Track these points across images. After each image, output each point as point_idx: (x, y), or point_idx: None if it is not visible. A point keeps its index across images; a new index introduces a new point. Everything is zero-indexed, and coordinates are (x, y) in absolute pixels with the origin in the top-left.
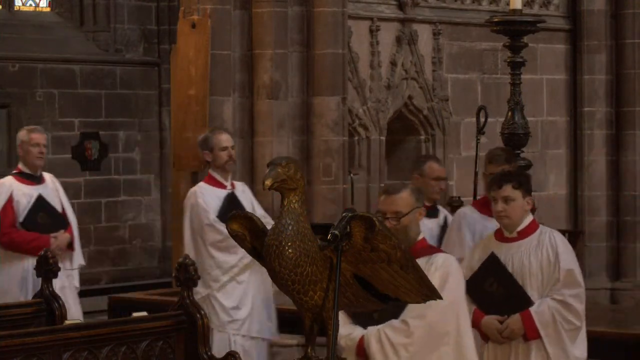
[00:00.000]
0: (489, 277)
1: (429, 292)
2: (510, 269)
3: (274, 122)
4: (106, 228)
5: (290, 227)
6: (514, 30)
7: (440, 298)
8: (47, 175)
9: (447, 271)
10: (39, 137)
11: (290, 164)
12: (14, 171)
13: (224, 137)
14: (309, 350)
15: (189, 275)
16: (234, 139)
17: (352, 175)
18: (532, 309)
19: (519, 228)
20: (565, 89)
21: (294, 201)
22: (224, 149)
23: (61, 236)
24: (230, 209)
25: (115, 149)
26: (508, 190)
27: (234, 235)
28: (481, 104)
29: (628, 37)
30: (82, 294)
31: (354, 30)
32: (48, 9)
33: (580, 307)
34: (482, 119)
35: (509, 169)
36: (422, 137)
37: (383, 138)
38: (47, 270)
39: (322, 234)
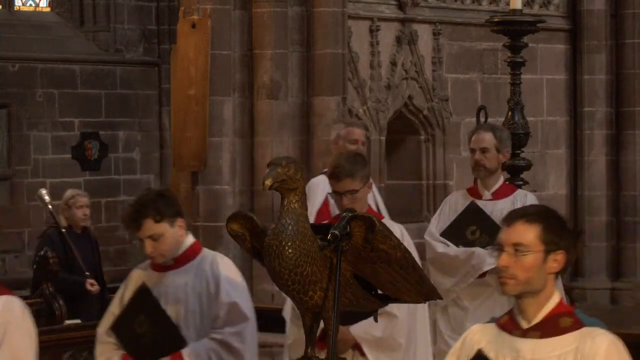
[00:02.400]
0: (140, 314)
1: (429, 292)
2: (163, 304)
3: (274, 122)
4: (106, 228)
5: (290, 227)
6: (514, 30)
7: (440, 298)
8: None
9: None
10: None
11: (290, 164)
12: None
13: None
14: (309, 350)
15: None
16: (234, 139)
17: None
18: (185, 351)
19: (175, 255)
20: (565, 89)
21: (294, 201)
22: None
23: None
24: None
25: (115, 149)
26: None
27: (234, 235)
28: (481, 104)
29: (628, 37)
30: None
31: (354, 30)
32: (48, 9)
33: (243, 347)
34: (482, 119)
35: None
36: (422, 137)
37: (383, 138)
38: (47, 270)
39: (322, 234)
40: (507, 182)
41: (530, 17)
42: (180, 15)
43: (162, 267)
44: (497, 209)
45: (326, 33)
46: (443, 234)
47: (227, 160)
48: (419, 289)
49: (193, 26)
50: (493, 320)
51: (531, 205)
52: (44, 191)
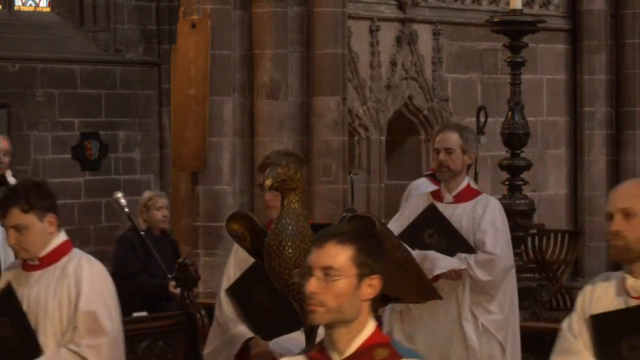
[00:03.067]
0: (3, 317)
1: (429, 292)
2: (25, 307)
3: (274, 122)
4: (106, 228)
5: (290, 227)
6: (514, 30)
7: (440, 298)
8: None
9: None
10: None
11: (290, 164)
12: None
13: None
14: None
15: (188, 275)
16: (234, 138)
17: (352, 175)
18: None
19: (41, 254)
20: (565, 89)
21: (294, 201)
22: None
23: None
24: None
25: (115, 149)
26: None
27: (234, 235)
28: (481, 104)
29: (628, 37)
30: None
31: (354, 30)
32: (48, 9)
33: None
34: (482, 119)
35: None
36: (422, 137)
37: (383, 138)
38: None
39: None
40: (471, 185)
41: (530, 17)
42: (180, 15)
43: (30, 267)
44: (456, 213)
45: (326, 33)
46: (400, 236)
47: (227, 160)
48: (419, 288)
49: (193, 26)
50: (304, 351)
51: (345, 224)
52: (119, 194)
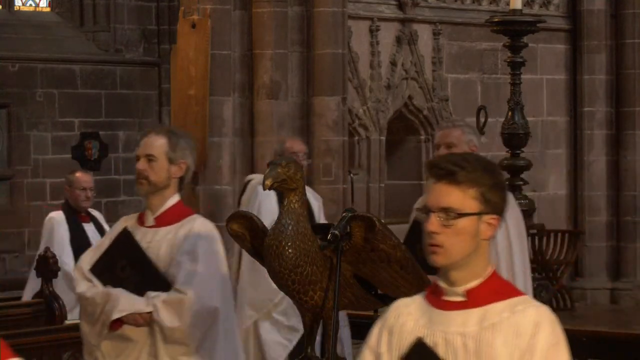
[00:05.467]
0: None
1: None
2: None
3: (274, 122)
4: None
5: (290, 227)
6: (514, 30)
7: None
8: None
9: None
10: None
11: (290, 164)
12: None
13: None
14: (309, 350)
15: None
16: (234, 138)
17: (352, 175)
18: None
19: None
20: (565, 89)
21: (294, 201)
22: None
23: None
24: None
25: (115, 149)
26: None
27: (234, 235)
28: (481, 104)
29: (628, 37)
30: None
31: (354, 30)
32: (48, 9)
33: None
34: (482, 119)
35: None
36: (422, 137)
37: (383, 138)
38: (47, 270)
39: (322, 234)
40: (183, 204)
41: (530, 17)
42: (180, 15)
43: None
44: (156, 240)
45: (326, 33)
46: (92, 269)
47: (227, 160)
48: (420, 288)
49: (193, 26)
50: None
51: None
52: None
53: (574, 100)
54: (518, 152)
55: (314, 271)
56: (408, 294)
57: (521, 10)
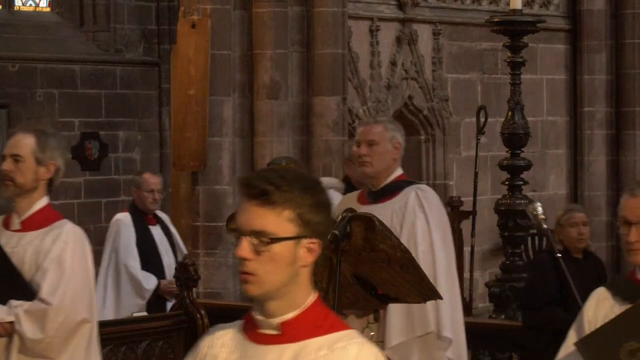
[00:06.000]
0: None
1: (429, 292)
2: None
3: (274, 122)
4: (106, 228)
5: None
6: (514, 30)
7: (441, 298)
8: None
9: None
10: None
11: (290, 164)
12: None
13: None
14: None
15: (188, 275)
16: (234, 138)
17: None
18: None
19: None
20: (565, 89)
21: None
22: None
23: None
24: None
25: (115, 149)
26: None
27: (234, 235)
28: (481, 104)
29: (628, 37)
30: None
31: (354, 30)
32: (48, 9)
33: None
34: (482, 119)
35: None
36: (422, 137)
37: None
38: None
39: None
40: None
41: (530, 17)
42: (180, 15)
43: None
44: (21, 244)
45: (326, 33)
46: None
47: (227, 160)
48: (419, 288)
49: (193, 26)
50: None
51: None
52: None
53: (574, 100)
54: (518, 152)
55: (314, 271)
56: (408, 293)
57: (521, 10)
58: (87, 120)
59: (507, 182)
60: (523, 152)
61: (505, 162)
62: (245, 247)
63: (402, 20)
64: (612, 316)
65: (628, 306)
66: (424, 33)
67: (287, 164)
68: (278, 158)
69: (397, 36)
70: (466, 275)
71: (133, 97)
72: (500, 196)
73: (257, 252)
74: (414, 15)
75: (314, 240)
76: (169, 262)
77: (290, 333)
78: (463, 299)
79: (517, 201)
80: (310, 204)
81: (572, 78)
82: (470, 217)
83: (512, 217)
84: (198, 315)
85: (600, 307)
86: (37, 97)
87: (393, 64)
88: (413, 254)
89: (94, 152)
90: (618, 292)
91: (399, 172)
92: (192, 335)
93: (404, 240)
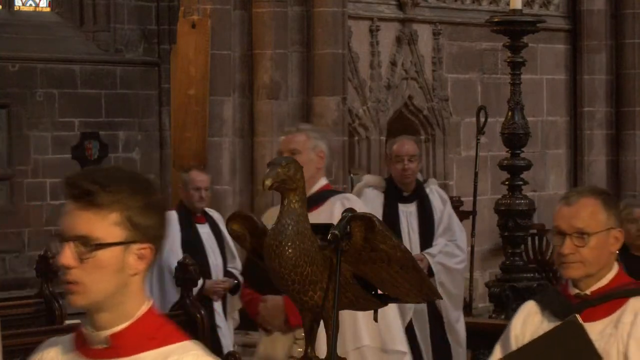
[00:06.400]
0: None
1: (429, 292)
2: None
3: (274, 122)
4: None
5: (290, 227)
6: (514, 30)
7: (440, 298)
8: None
9: None
10: None
11: (290, 164)
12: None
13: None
14: (309, 350)
15: (188, 275)
16: (234, 138)
17: (352, 175)
18: None
19: None
20: (565, 89)
21: (294, 201)
22: None
23: None
24: None
25: (115, 149)
26: None
27: (234, 235)
28: (481, 104)
29: (628, 37)
30: None
31: (354, 30)
32: (48, 9)
33: None
34: (482, 119)
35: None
36: (422, 137)
37: (383, 138)
38: (47, 270)
39: (322, 234)
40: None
41: (530, 17)
42: (180, 15)
43: None
44: None
45: (326, 33)
46: None
47: (227, 160)
48: (419, 288)
49: (193, 26)
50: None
51: None
52: None
53: (574, 100)
54: (518, 152)
55: (314, 271)
56: (408, 293)
57: (521, 10)
58: (87, 120)
59: (507, 182)
60: (523, 152)
61: (505, 162)
62: (67, 254)
63: (402, 20)
64: (540, 332)
65: (557, 323)
66: (424, 33)
67: (287, 164)
68: (278, 158)
69: (397, 36)
70: (466, 275)
71: (133, 97)
72: (500, 196)
73: (81, 260)
74: (414, 15)
75: (144, 245)
76: (215, 262)
77: (120, 346)
78: (463, 299)
79: (518, 201)
80: (140, 205)
81: (572, 78)
82: (471, 217)
83: (512, 217)
84: (198, 315)
85: (528, 322)
86: (37, 97)
87: (393, 64)
88: None
89: (94, 152)
90: (548, 307)
91: (323, 182)
92: (192, 335)
93: None
